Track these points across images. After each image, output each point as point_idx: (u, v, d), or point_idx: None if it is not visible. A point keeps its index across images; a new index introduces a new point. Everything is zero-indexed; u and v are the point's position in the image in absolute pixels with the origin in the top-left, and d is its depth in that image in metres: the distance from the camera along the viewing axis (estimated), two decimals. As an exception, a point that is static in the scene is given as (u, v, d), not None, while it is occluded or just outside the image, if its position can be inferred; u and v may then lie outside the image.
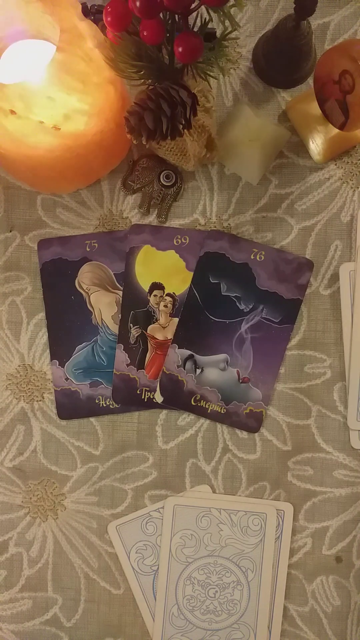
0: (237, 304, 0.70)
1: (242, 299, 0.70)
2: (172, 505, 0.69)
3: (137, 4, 0.52)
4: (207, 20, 0.57)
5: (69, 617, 0.71)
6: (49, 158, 0.62)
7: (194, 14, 0.55)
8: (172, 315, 0.71)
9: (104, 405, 0.71)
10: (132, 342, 0.71)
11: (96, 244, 0.72)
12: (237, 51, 0.73)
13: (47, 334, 0.72)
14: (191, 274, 0.71)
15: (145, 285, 0.71)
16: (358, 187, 0.72)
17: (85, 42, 0.58)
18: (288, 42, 0.67)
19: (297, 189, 0.72)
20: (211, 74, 0.60)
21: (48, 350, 0.72)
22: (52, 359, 0.71)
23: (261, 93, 0.73)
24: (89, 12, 0.65)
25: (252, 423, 0.70)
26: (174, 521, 0.69)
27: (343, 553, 0.70)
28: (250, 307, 0.70)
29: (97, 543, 0.71)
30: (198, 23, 0.57)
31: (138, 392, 0.70)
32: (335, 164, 0.72)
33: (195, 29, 0.57)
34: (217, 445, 0.71)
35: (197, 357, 0.70)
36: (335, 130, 0.69)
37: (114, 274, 0.72)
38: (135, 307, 0.71)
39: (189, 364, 0.70)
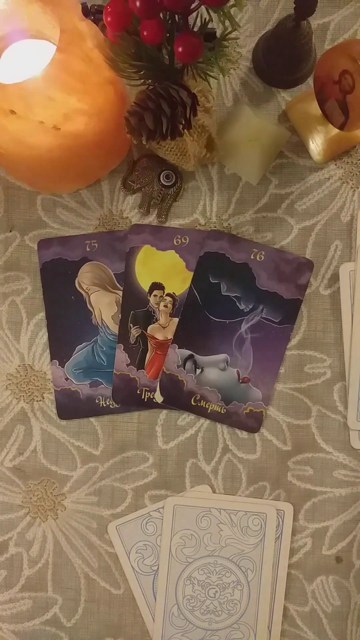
0: (237, 304, 0.70)
1: (242, 299, 0.70)
2: (172, 505, 0.69)
3: (137, 4, 0.52)
4: (207, 20, 0.57)
5: (69, 617, 0.71)
6: (49, 158, 0.62)
7: (194, 14, 0.55)
8: (172, 315, 0.71)
9: (104, 405, 0.71)
10: (132, 342, 0.71)
11: (96, 244, 0.72)
12: (237, 51, 0.73)
13: (47, 334, 0.72)
14: (191, 274, 0.71)
15: (145, 285, 0.71)
16: (358, 187, 0.72)
17: (85, 42, 0.58)
18: (288, 42, 0.67)
19: (297, 189, 0.72)
20: (211, 74, 0.60)
21: (48, 350, 0.72)
22: (52, 359, 0.71)
23: (261, 93, 0.73)
24: (89, 12, 0.65)
25: (252, 423, 0.70)
26: (174, 521, 0.69)
27: (343, 553, 0.70)
28: (250, 307, 0.70)
29: (97, 543, 0.71)
30: (198, 23, 0.57)
31: (138, 392, 0.70)
32: (335, 164, 0.72)
33: (195, 29, 0.57)
34: (217, 445, 0.71)
35: (197, 357, 0.70)
36: (335, 130, 0.69)
37: (114, 274, 0.72)
38: (135, 307, 0.71)
39: (189, 364, 0.70)
